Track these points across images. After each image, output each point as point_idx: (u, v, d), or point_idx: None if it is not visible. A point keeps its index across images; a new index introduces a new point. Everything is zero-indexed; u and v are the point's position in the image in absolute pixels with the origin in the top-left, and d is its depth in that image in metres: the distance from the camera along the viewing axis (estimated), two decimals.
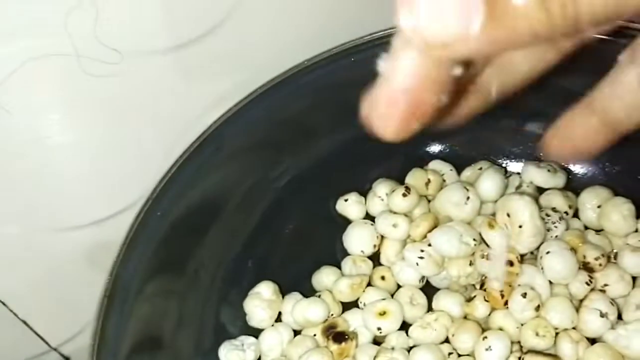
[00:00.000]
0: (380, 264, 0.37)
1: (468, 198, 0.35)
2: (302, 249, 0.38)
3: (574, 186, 0.37)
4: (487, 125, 0.37)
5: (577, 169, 0.37)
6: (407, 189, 0.36)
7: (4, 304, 0.39)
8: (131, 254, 0.30)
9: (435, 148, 0.39)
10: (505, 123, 0.37)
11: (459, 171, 0.38)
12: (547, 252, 0.32)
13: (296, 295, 0.36)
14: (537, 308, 0.32)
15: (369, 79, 0.35)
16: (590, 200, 0.35)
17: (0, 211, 0.36)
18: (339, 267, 0.37)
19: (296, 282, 0.37)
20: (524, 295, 0.32)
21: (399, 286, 0.36)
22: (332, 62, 0.35)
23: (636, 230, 0.34)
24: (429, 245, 0.35)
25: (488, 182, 0.36)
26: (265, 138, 0.34)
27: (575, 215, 0.36)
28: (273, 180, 0.35)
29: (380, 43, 0.34)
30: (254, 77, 0.36)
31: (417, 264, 0.34)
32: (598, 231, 0.35)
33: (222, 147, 0.33)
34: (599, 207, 0.35)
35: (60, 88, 0.33)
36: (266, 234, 0.36)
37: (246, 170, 0.34)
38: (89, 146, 0.36)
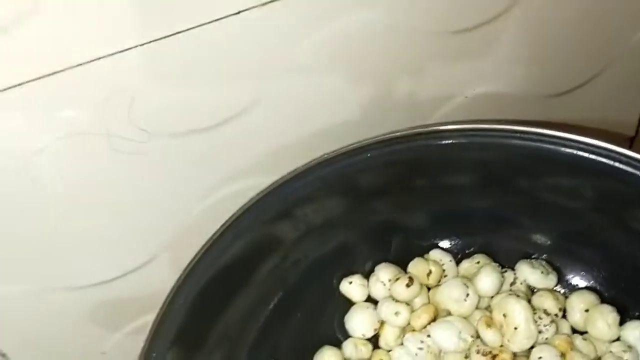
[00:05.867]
0: (378, 346, 0.39)
1: (467, 295, 0.37)
2: (303, 324, 0.39)
3: (562, 286, 0.39)
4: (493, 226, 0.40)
5: (567, 271, 0.40)
6: (411, 279, 0.38)
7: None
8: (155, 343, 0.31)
9: (436, 237, 0.41)
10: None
11: (456, 258, 0.41)
12: (539, 358, 0.35)
13: None
14: None
15: (384, 175, 0.37)
16: (578, 304, 0.38)
17: (10, 270, 0.37)
18: (338, 344, 0.39)
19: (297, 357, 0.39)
20: None
21: None
22: (350, 156, 0.36)
23: (618, 339, 0.37)
24: (428, 336, 0.37)
25: (487, 279, 0.38)
26: (283, 225, 0.36)
27: (563, 314, 0.38)
28: (289, 265, 0.37)
29: (397, 141, 0.36)
30: (269, 162, 0.38)
31: (417, 354, 0.37)
32: (583, 333, 0.38)
33: (240, 234, 0.34)
34: (586, 310, 0.38)
35: (88, 162, 0.34)
36: (278, 318, 0.37)
37: (262, 256, 0.36)
38: (101, 211, 0.37)
